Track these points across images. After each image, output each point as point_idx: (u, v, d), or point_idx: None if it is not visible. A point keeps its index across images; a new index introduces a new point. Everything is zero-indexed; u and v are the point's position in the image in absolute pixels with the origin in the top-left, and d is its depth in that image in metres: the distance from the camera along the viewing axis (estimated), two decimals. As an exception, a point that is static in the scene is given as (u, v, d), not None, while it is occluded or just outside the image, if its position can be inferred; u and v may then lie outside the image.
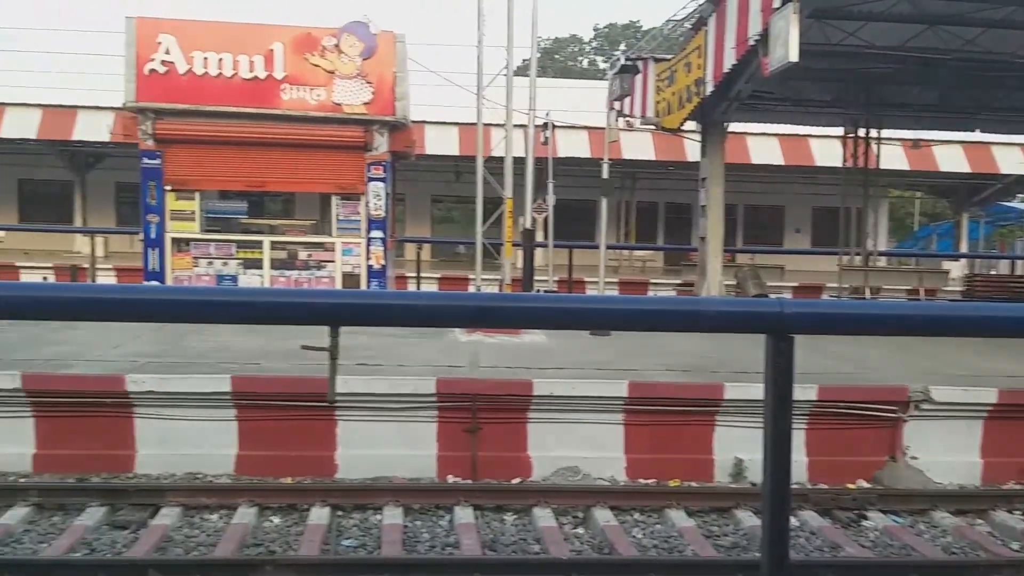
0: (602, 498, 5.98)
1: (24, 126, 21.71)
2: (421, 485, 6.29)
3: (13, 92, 22.13)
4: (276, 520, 5.69)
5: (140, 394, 6.47)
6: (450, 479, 6.53)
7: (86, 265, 16.84)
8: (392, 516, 5.68)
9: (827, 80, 14.36)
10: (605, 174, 11.86)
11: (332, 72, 10.51)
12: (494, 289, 11.85)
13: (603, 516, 5.72)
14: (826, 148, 22.15)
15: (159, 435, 6.53)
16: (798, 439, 6.70)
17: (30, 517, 5.54)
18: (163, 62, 10.26)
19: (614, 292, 17.25)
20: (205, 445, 6.52)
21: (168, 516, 5.54)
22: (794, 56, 8.95)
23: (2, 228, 24.90)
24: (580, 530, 5.70)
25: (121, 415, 6.52)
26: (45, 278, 18.47)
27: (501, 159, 11.42)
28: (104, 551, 5.07)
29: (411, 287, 16.76)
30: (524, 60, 17.33)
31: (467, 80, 13.12)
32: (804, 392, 6.65)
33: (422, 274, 17.39)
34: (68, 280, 17.13)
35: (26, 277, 18.82)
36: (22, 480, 6.18)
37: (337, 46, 10.47)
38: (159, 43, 10.22)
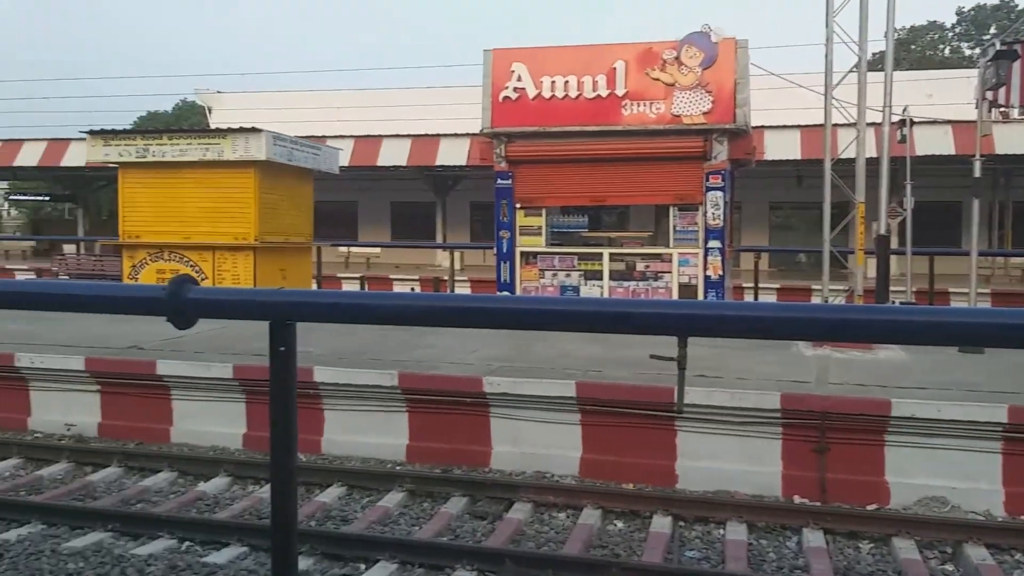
0: (975, 533, 5.32)
1: (396, 155, 24.55)
2: (765, 503, 6.07)
3: (388, 125, 25.20)
4: (620, 525, 5.82)
5: (495, 395, 6.97)
6: (796, 499, 6.22)
7: (446, 277, 18.57)
8: (735, 532, 5.55)
9: None
10: (977, 172, 10.61)
11: (672, 84, 10.58)
12: (840, 301, 11.11)
13: (977, 553, 5.09)
14: None
15: (511, 434, 6.98)
16: None
17: (404, 502, 6.20)
18: (515, 89, 11.04)
19: (986, 304, 15.33)
20: (552, 446, 6.85)
21: (521, 511, 5.90)
22: None
23: (378, 245, 28.33)
24: (948, 566, 5.13)
25: (479, 414, 7.07)
26: (412, 288, 20.71)
27: (849, 161, 10.70)
28: (466, 538, 5.53)
29: (748, 298, 16.30)
30: (874, 54, 16.09)
31: (811, 80, 12.51)
32: None
33: (760, 284, 16.85)
34: (431, 290, 19.03)
35: (397, 288, 21.24)
36: (398, 468, 6.94)
37: (677, 58, 10.52)
38: (512, 71, 11.02)
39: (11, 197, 43.39)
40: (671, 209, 10.92)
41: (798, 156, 20.77)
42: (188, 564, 4.75)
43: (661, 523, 5.68)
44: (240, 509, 5.97)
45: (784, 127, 20.66)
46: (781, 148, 20.70)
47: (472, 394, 7.02)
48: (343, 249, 26.58)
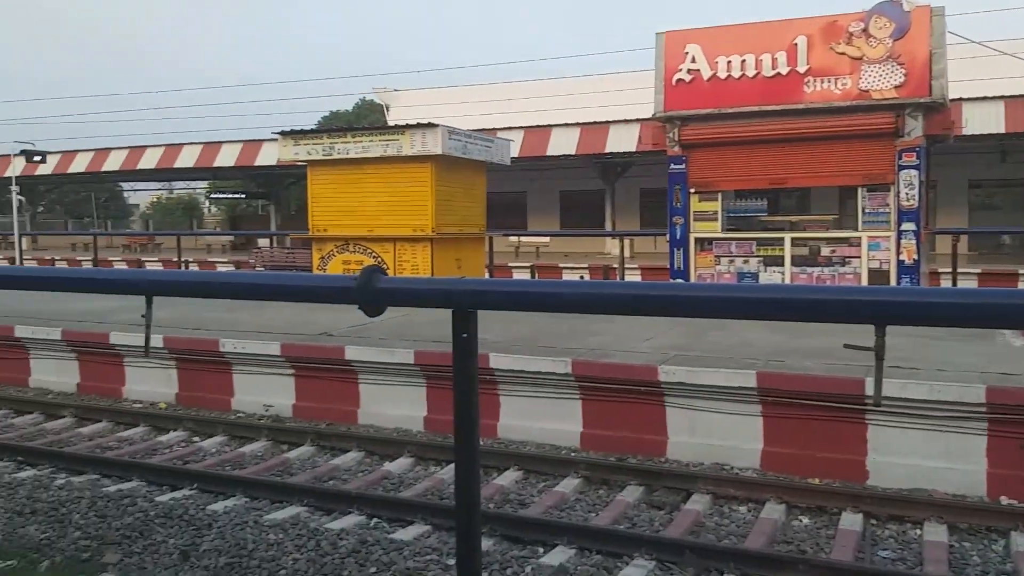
0: None
1: (566, 143, 24.66)
2: (968, 503, 5.62)
3: (558, 115, 25.32)
4: (805, 520, 5.58)
5: (671, 384, 6.84)
6: (1003, 500, 5.72)
7: (615, 265, 18.46)
8: (934, 533, 5.18)
9: None
10: None
11: (859, 58, 9.99)
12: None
13: None
14: None
15: (688, 424, 6.84)
16: None
17: (580, 488, 6.21)
18: (689, 71, 10.78)
19: None
20: (731, 437, 6.66)
21: (699, 503, 5.77)
22: None
23: (547, 234, 28.59)
24: None
25: (654, 403, 6.96)
26: (582, 277, 20.74)
27: (1064, 133, 9.72)
28: (643, 527, 5.47)
29: (945, 284, 15.16)
30: (1092, 14, 14.56)
31: (1017, 47, 11.47)
32: None
33: (959, 269, 15.63)
34: (601, 278, 18.99)
35: (566, 276, 21.36)
36: (572, 454, 6.96)
37: (865, 30, 9.91)
38: (686, 53, 10.77)
39: (212, 196, 47.19)
40: (859, 190, 10.33)
41: (1002, 130, 19.09)
42: (376, 540, 4.97)
43: (851, 520, 5.40)
44: (423, 489, 6.18)
45: (986, 99, 19.05)
46: (982, 122, 19.09)
47: (647, 383, 6.92)
48: (513, 239, 27.01)
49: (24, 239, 28.90)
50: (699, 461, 6.66)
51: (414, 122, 12.65)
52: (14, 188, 24.69)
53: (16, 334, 9.67)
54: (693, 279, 11.00)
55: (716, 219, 11.02)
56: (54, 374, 9.60)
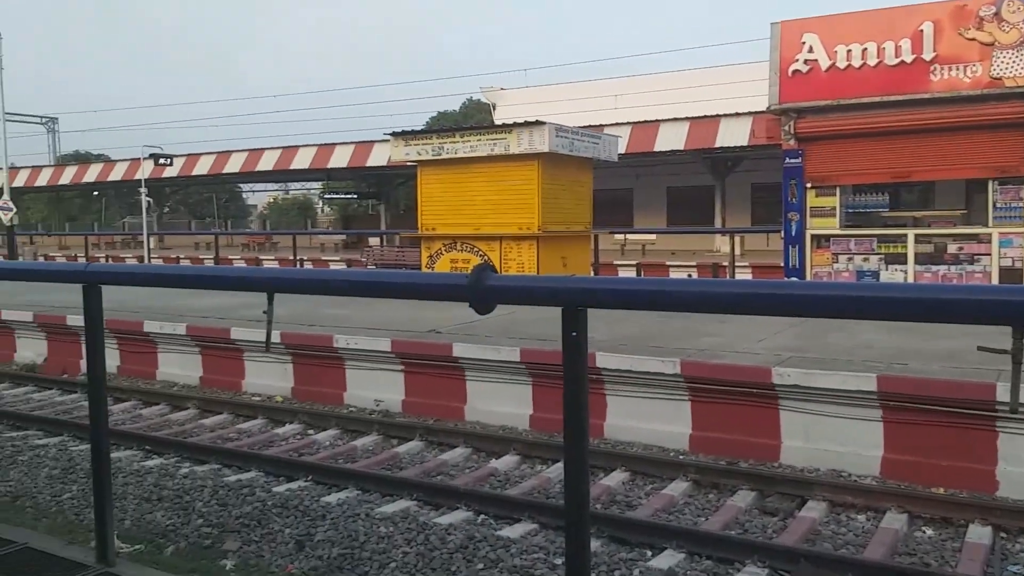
0: None
1: (674, 138, 24.25)
2: (1112, 520, 5.22)
3: (665, 109, 24.94)
4: (928, 532, 5.30)
5: (785, 387, 6.62)
6: None
7: (725, 263, 18.05)
8: (1074, 551, 4.83)
9: None
10: None
11: (990, 44, 9.44)
12: None
13: None
14: None
15: (803, 428, 6.60)
16: None
17: (689, 491, 6.08)
18: (806, 61, 10.43)
19: None
20: (849, 443, 6.40)
21: (815, 510, 5.56)
22: None
23: (655, 231, 28.18)
24: None
25: (767, 406, 6.75)
26: (689, 275, 20.37)
27: None
28: (755, 533, 5.30)
29: (1085, 284, 14.16)
30: None
31: None
32: None
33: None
34: (710, 277, 18.60)
35: (673, 274, 20.99)
36: (681, 456, 6.82)
37: (997, 14, 9.36)
38: (803, 43, 10.43)
39: (325, 196, 48.74)
40: (990, 183, 9.77)
41: None
42: (484, 536, 4.99)
43: (979, 533, 5.10)
44: (529, 487, 6.18)
45: None
46: None
47: (760, 385, 6.73)
48: (619, 236, 26.76)
49: (151, 238, 30.52)
50: (814, 467, 6.42)
51: (521, 120, 12.68)
52: (143, 190, 26.13)
53: (145, 329, 10.22)
54: (809, 278, 10.63)
55: (834, 215, 10.63)
56: (179, 367, 10.09)
